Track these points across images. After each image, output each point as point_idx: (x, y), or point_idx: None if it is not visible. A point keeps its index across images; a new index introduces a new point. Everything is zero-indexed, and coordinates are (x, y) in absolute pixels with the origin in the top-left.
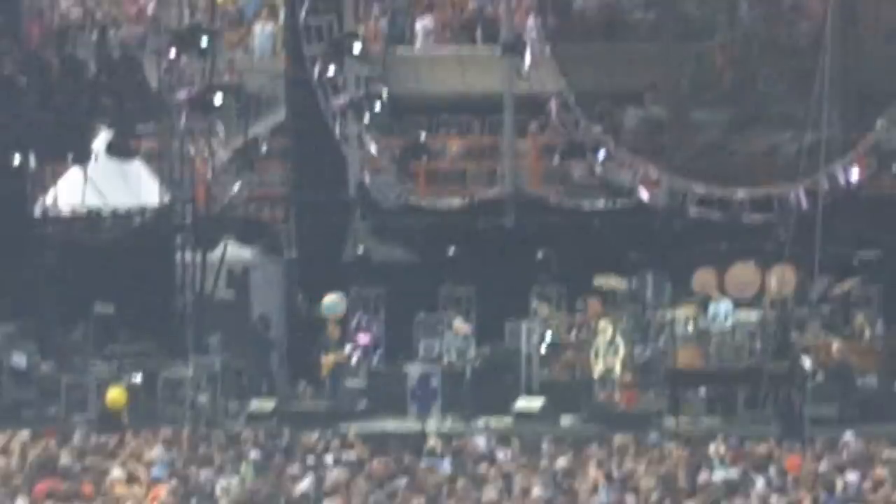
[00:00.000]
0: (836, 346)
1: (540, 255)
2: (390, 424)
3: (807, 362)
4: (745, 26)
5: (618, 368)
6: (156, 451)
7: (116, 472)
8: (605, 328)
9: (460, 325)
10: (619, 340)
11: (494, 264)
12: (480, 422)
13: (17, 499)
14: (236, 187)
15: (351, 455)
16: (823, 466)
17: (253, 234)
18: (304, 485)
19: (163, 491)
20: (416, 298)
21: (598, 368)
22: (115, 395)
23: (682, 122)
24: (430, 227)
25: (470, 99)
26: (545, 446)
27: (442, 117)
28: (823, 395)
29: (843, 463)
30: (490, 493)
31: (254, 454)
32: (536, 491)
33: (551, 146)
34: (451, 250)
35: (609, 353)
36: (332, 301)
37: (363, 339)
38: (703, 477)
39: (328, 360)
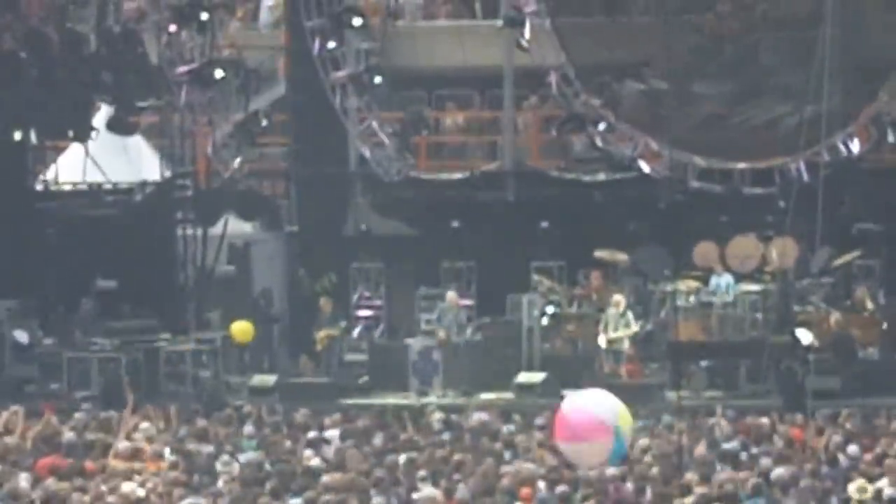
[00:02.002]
0: (834, 318)
1: (541, 228)
2: (392, 399)
3: (804, 336)
4: None
5: (626, 342)
6: (156, 427)
7: (117, 448)
8: (619, 301)
9: (453, 296)
10: (630, 315)
11: (495, 237)
12: (481, 396)
13: (20, 475)
14: (237, 162)
15: (352, 430)
16: (825, 439)
17: (254, 209)
18: (306, 460)
19: (164, 466)
20: (416, 272)
21: (605, 340)
22: (242, 328)
23: (682, 94)
24: (430, 200)
25: (470, 72)
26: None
27: (442, 91)
28: (825, 368)
29: (846, 436)
30: (491, 466)
31: (254, 429)
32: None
33: (551, 119)
34: (453, 224)
35: (620, 327)
36: None
37: (364, 313)
38: (701, 450)
39: (321, 335)
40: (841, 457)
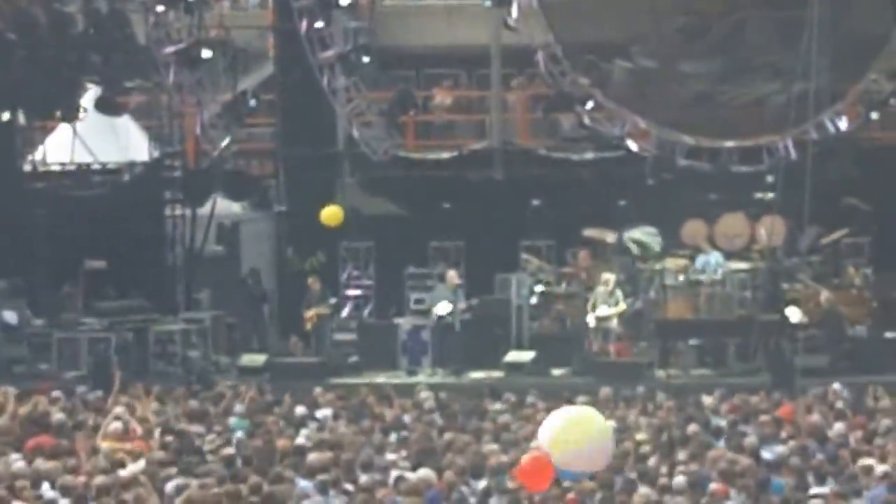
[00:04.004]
0: (824, 296)
1: (530, 207)
2: (381, 378)
3: (794, 314)
4: None
5: (615, 321)
6: (146, 407)
7: (107, 428)
8: (608, 279)
9: (453, 276)
10: (619, 293)
11: (483, 217)
12: (471, 375)
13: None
14: (225, 142)
15: (342, 409)
16: (814, 417)
17: (242, 189)
18: (296, 439)
19: (153, 446)
20: (405, 251)
21: (594, 319)
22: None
23: (670, 73)
24: (418, 179)
25: (458, 51)
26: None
27: (430, 70)
28: (814, 346)
29: (834, 413)
30: (484, 445)
31: (244, 409)
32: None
33: (539, 98)
34: (442, 203)
35: (609, 305)
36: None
37: (353, 292)
38: (692, 428)
39: (309, 314)
40: (830, 434)
